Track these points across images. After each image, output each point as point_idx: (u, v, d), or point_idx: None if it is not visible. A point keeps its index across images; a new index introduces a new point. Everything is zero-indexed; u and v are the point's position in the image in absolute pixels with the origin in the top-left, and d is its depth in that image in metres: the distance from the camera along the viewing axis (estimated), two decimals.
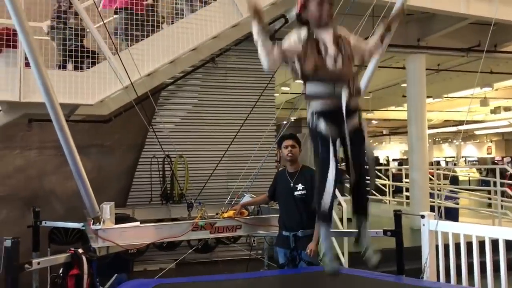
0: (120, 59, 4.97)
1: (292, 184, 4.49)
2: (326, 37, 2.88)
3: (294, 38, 2.92)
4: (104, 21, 5.07)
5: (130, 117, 6.78)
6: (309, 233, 4.35)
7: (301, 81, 3.00)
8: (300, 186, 4.42)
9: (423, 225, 4.55)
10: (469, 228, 4.34)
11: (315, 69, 2.82)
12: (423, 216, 4.50)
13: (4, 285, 3.51)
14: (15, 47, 4.78)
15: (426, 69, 10.17)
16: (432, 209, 9.74)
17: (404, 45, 9.22)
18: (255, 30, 2.79)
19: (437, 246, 4.44)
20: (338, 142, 2.93)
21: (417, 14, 8.69)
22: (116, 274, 5.21)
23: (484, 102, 17.19)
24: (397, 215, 4.62)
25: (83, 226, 5.43)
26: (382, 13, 6.00)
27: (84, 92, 5.02)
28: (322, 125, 2.85)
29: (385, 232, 4.64)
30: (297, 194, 4.43)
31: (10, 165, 7.33)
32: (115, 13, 5.73)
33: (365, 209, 3.16)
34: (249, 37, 7.51)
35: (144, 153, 8.17)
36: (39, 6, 5.55)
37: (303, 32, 2.92)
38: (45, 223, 6.06)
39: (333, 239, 6.56)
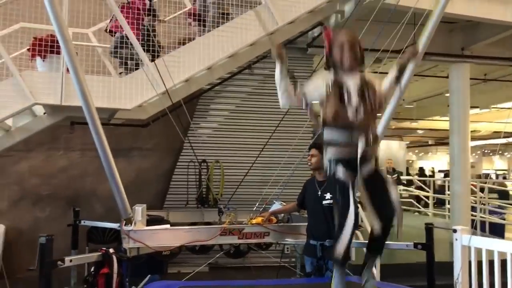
0: (156, 66, 5.11)
1: (320, 193, 4.48)
2: (351, 83, 2.88)
3: (318, 81, 2.97)
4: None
5: (169, 122, 6.95)
6: None
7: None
8: (328, 195, 4.39)
9: (456, 239, 4.41)
10: (504, 245, 4.17)
11: (336, 117, 2.82)
12: (455, 231, 4.37)
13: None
14: (58, 53, 5.01)
15: (472, 78, 9.88)
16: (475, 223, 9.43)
17: (448, 54, 8.99)
18: (277, 70, 2.94)
19: (471, 262, 4.30)
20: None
21: (461, 22, 8.45)
22: (149, 275, 5.35)
23: None
24: (429, 228, 4.52)
25: (119, 226, 5.62)
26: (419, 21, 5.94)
27: (122, 97, 5.19)
28: (339, 172, 2.88)
29: (415, 245, 4.54)
30: (325, 203, 4.41)
31: (54, 165, 7.68)
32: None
33: (380, 250, 3.24)
34: (286, 44, 7.62)
35: (181, 157, 8.33)
36: (86, 14, 5.81)
37: (329, 76, 2.94)
38: (84, 222, 6.32)
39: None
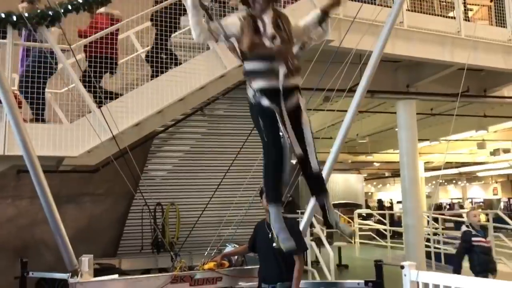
0: (102, 113, 5.09)
1: (270, 235, 4.46)
2: (265, 17, 2.94)
3: (234, 17, 3.01)
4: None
5: (122, 165, 6.86)
6: (288, 285, 4.30)
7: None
8: None
9: (404, 275, 4.49)
10: (450, 279, 4.27)
11: (252, 46, 2.86)
12: (402, 267, 4.44)
13: None
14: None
15: (420, 113, 10.28)
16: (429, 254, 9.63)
17: (394, 91, 9.36)
18: (189, 1, 2.87)
19: None
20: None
21: (405, 61, 8.85)
22: None
23: (481, 145, 17.20)
24: (378, 266, 4.58)
25: (69, 276, 5.43)
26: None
27: (68, 144, 5.11)
28: (264, 101, 2.86)
29: (366, 283, 4.59)
30: (276, 245, 4.40)
31: (1, 215, 7.38)
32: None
33: (322, 186, 3.19)
34: (238, 85, 7.76)
35: (135, 201, 8.17)
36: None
37: (243, 12, 2.99)
38: (32, 274, 6.06)
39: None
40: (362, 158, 21.78)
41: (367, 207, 27.36)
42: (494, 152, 18.49)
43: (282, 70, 2.83)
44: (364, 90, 5.29)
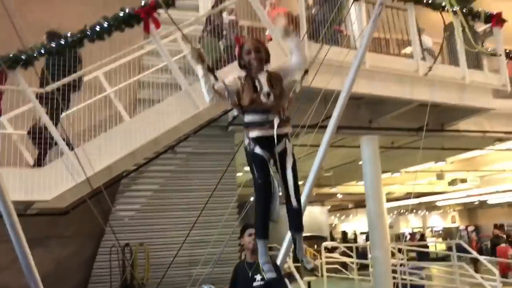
0: (76, 155, 5.07)
1: (250, 274, 4.49)
2: (261, 77, 3.44)
3: (235, 77, 3.46)
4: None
5: (89, 207, 6.77)
6: None
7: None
8: (258, 277, 4.40)
9: None
10: None
11: (252, 102, 3.36)
12: None
13: None
14: None
15: (381, 147, 10.61)
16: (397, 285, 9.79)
17: (357, 127, 9.67)
18: (201, 71, 3.40)
19: None
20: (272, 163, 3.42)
21: (367, 98, 9.20)
22: None
23: (440, 175, 17.84)
24: None
25: None
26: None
27: (41, 188, 5.04)
28: (257, 149, 3.39)
29: None
30: (256, 285, 4.42)
31: None
32: None
33: (299, 224, 3.57)
34: (210, 122, 7.86)
35: (103, 242, 8.03)
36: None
37: (242, 73, 3.49)
38: None
39: None
40: (326, 190, 22.08)
41: (332, 239, 27.57)
42: (452, 182, 19.18)
43: (276, 121, 3.34)
44: (335, 126, 5.51)
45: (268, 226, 3.50)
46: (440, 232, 35.97)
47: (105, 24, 5.43)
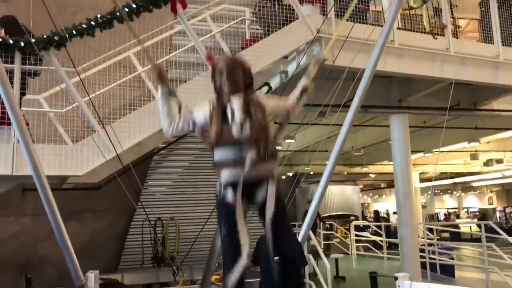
0: (107, 132, 5.29)
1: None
2: (235, 103, 2.82)
3: (204, 105, 2.91)
4: (91, 96, 5.41)
5: (122, 181, 7.05)
6: None
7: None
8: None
9: (398, 286, 4.69)
10: None
11: (219, 135, 2.73)
12: (396, 278, 4.64)
13: None
14: (9, 124, 5.10)
15: (412, 126, 10.49)
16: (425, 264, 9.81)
17: (387, 106, 9.59)
18: (159, 92, 2.89)
19: None
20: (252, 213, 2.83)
21: (397, 77, 9.10)
22: None
23: (474, 156, 17.47)
24: (373, 277, 4.78)
25: None
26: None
27: (74, 163, 5.30)
28: (228, 195, 2.72)
29: None
30: (276, 258, 4.57)
31: (4, 232, 7.53)
32: None
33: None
34: None
35: (136, 216, 8.36)
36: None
37: (212, 101, 2.91)
38: None
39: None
40: (358, 169, 21.98)
41: (364, 218, 27.50)
42: (487, 163, 18.77)
43: (249, 158, 2.68)
44: (357, 107, 5.47)
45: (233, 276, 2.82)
46: (477, 213, 35.35)
47: (133, 5, 5.56)
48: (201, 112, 2.88)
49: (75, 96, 5.46)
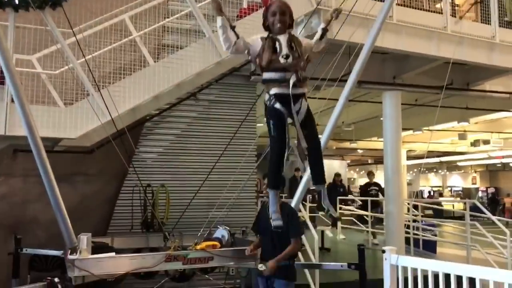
0: (102, 95, 5.24)
1: (270, 215, 4.74)
2: (281, 39, 3.63)
3: (257, 37, 3.69)
4: (86, 57, 5.33)
5: (113, 147, 7.03)
6: (287, 264, 4.71)
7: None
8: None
9: (385, 259, 4.81)
10: (426, 263, 4.58)
11: (270, 62, 3.55)
12: (383, 251, 4.75)
13: None
14: (2, 83, 5.03)
15: (404, 103, 10.55)
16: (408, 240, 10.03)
17: (381, 82, 9.61)
18: (219, 21, 3.59)
19: (406, 278, 4.66)
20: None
21: (392, 54, 9.09)
22: None
23: (462, 136, 17.68)
24: (361, 249, 4.88)
25: (62, 254, 5.62)
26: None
27: (67, 126, 5.26)
28: (277, 105, 3.61)
29: (349, 265, 4.89)
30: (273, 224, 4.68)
31: None
32: None
33: (321, 177, 3.84)
34: (232, 71, 7.93)
35: (126, 182, 8.35)
36: (28, 39, 5.83)
37: (265, 35, 3.69)
38: (26, 250, 6.24)
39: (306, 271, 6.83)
40: (346, 145, 22.15)
41: (350, 192, 27.86)
42: (475, 143, 19.02)
43: (292, 80, 3.53)
44: (354, 82, 5.55)
45: (279, 178, 3.79)
46: (460, 192, 36.00)
47: None
48: (256, 43, 3.66)
49: (70, 57, 5.37)
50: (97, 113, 5.30)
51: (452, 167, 35.65)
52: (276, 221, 3.89)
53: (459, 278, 4.15)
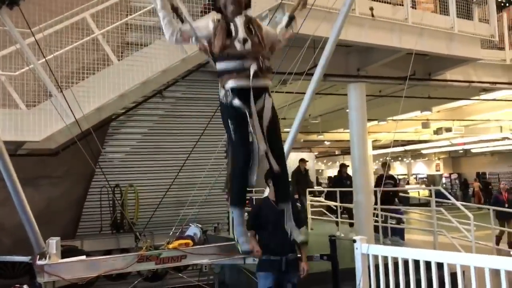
0: (64, 96, 5.12)
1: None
2: (238, 21, 3.08)
3: (207, 20, 3.15)
4: (47, 58, 5.19)
5: (79, 148, 6.89)
6: (296, 256, 4.79)
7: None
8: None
9: (356, 248, 4.90)
10: (396, 251, 4.70)
11: (223, 48, 2.99)
12: (354, 241, 4.84)
13: None
14: None
15: (368, 95, 10.72)
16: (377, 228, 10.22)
17: (345, 75, 9.74)
18: (159, 3, 3.05)
19: (377, 266, 4.76)
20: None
21: (356, 46, 9.21)
22: None
23: (425, 124, 18.11)
24: (332, 240, 4.96)
25: (30, 259, 5.48)
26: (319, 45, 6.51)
27: (30, 129, 5.13)
28: (236, 101, 2.99)
29: (321, 256, 4.96)
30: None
31: None
32: None
33: (283, 194, 3.36)
34: (199, 67, 7.87)
35: (94, 183, 8.22)
36: None
37: (217, 16, 3.13)
38: None
39: None
40: (314, 137, 22.37)
41: (318, 184, 28.19)
42: (437, 131, 19.51)
43: (252, 68, 2.94)
44: (320, 75, 5.60)
45: (245, 192, 3.19)
46: (424, 179, 36.94)
47: None
48: (204, 27, 3.11)
49: (30, 58, 5.22)
50: (61, 114, 5.17)
51: (416, 155, 36.50)
52: (244, 245, 3.33)
53: (428, 264, 4.29)
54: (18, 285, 4.20)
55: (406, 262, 4.58)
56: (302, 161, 13.22)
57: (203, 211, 6.61)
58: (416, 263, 4.43)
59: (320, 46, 7.01)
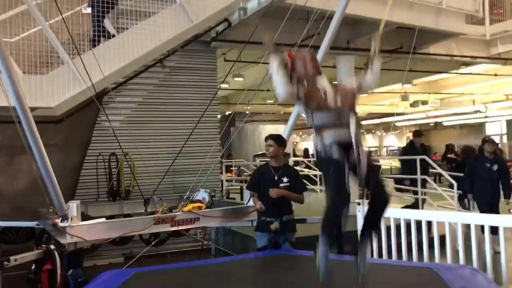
0: (82, 61, 5.19)
1: (276, 177, 5.03)
2: (321, 81, 3.34)
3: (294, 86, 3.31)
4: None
5: (77, 116, 6.93)
6: (292, 217, 5.08)
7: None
8: (285, 179, 5.01)
9: (359, 211, 5.24)
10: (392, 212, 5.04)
11: (321, 104, 3.22)
12: (359, 203, 5.18)
13: None
14: None
15: (356, 68, 10.98)
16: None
17: (335, 47, 9.91)
18: (275, 64, 3.26)
19: None
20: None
21: (346, 19, 9.38)
22: (71, 270, 5.42)
23: (405, 97, 18.63)
24: None
25: (37, 224, 5.61)
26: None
27: (44, 95, 5.18)
28: (335, 153, 3.12)
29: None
30: (283, 186, 4.98)
31: None
32: None
33: (378, 224, 3.48)
34: (197, 38, 7.93)
35: (90, 151, 8.27)
36: None
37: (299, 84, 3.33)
38: None
39: None
40: (291, 109, 22.62)
41: (295, 155, 28.63)
42: (414, 104, 20.08)
43: (352, 121, 3.16)
44: (327, 47, 5.82)
45: (334, 237, 3.22)
46: (396, 151, 37.90)
47: None
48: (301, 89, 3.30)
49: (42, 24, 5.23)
50: (73, 80, 5.23)
51: (388, 127, 37.34)
52: (324, 278, 3.19)
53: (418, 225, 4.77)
54: (45, 245, 4.35)
55: (398, 226, 5.01)
56: (419, 135, 10.48)
57: (200, 179, 6.78)
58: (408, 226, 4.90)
59: (313, 18, 7.26)
